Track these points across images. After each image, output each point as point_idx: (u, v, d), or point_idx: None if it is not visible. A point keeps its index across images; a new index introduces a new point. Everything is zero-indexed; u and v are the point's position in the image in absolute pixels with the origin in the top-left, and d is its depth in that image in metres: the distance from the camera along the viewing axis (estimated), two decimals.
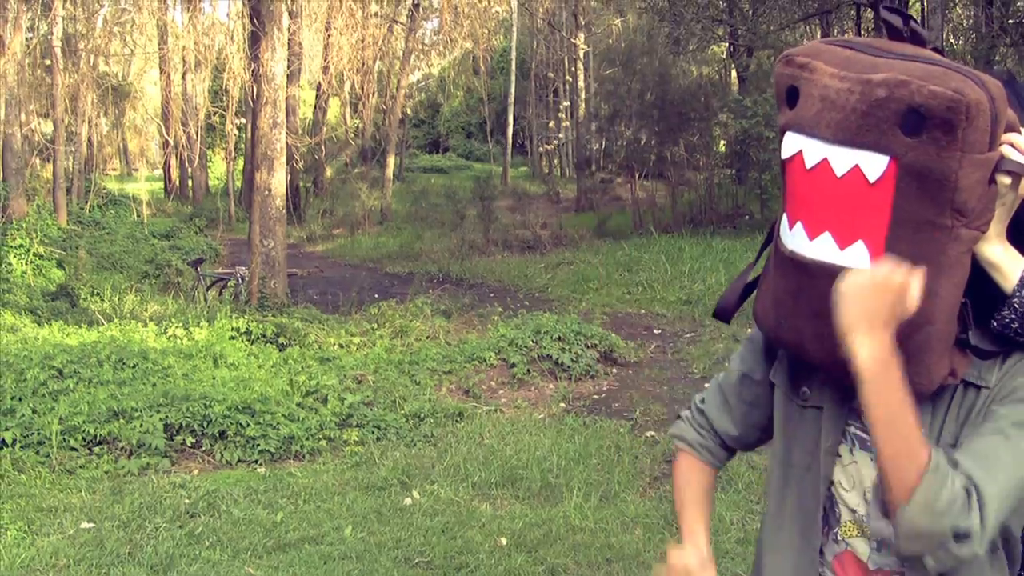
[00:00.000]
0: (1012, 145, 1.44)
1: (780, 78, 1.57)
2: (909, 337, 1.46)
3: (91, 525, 5.81)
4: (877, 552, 1.64)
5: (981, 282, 1.50)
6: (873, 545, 1.65)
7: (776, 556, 1.78)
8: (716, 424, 1.95)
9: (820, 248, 1.48)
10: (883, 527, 1.59)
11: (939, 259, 1.44)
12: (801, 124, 1.50)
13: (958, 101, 1.35)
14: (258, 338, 10.33)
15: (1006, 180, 1.44)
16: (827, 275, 1.47)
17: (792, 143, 1.52)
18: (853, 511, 1.67)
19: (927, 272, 1.43)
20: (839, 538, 1.70)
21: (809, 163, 1.48)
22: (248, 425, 7.39)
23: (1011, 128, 1.45)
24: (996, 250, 1.49)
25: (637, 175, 23.14)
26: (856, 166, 1.43)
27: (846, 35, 26.93)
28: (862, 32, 24.52)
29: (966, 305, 1.49)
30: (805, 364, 1.68)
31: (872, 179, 1.42)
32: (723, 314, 1.84)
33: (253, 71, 13.89)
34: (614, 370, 10.02)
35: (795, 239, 1.52)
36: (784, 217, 1.56)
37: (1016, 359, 1.54)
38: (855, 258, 1.45)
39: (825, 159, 1.46)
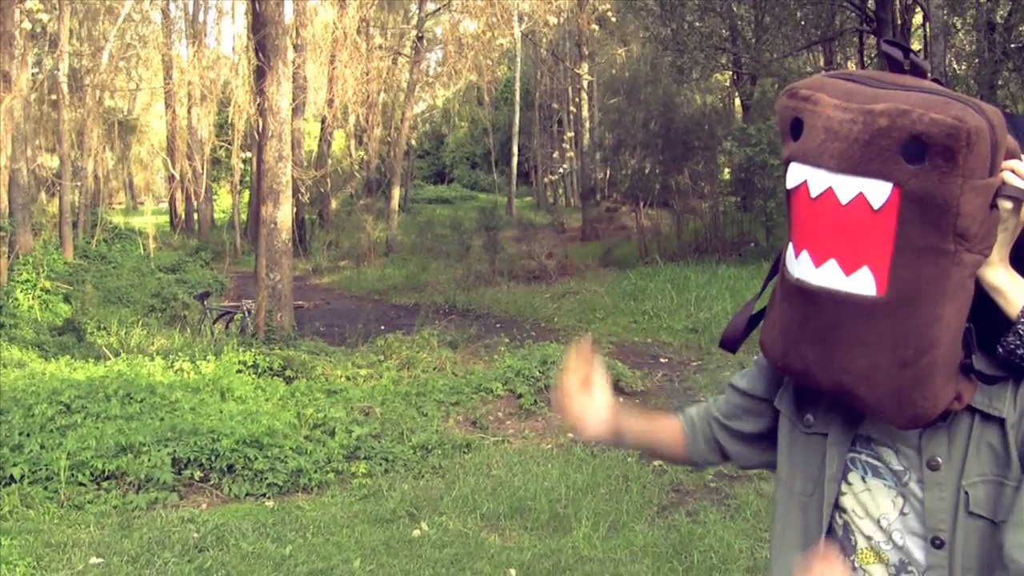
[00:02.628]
0: (1013, 171, 1.46)
1: (784, 111, 1.59)
2: (914, 362, 1.47)
3: (100, 560, 5.79)
4: None
5: (985, 307, 1.51)
6: (891, 571, 1.65)
7: None
8: (712, 410, 2.00)
9: (826, 275, 1.50)
10: None
11: (943, 284, 1.45)
12: (805, 155, 1.52)
13: (958, 128, 1.38)
14: (265, 371, 10.33)
15: (1007, 205, 1.46)
16: (833, 302, 1.50)
17: (797, 173, 1.54)
18: (869, 538, 1.68)
19: (931, 297, 1.45)
20: (856, 565, 1.70)
21: (814, 192, 1.50)
22: (256, 459, 7.38)
23: (1012, 155, 1.47)
24: (1000, 275, 1.51)
25: (642, 204, 23.20)
26: (860, 194, 1.45)
27: (849, 62, 27.06)
28: (865, 59, 24.63)
29: (970, 330, 1.50)
30: (810, 391, 1.71)
31: (876, 206, 1.44)
32: (729, 344, 1.87)
33: (258, 105, 13.95)
34: (621, 399, 9.99)
35: (801, 267, 1.54)
36: (790, 246, 1.58)
37: None
38: (860, 284, 1.47)
39: (830, 188, 1.48)
